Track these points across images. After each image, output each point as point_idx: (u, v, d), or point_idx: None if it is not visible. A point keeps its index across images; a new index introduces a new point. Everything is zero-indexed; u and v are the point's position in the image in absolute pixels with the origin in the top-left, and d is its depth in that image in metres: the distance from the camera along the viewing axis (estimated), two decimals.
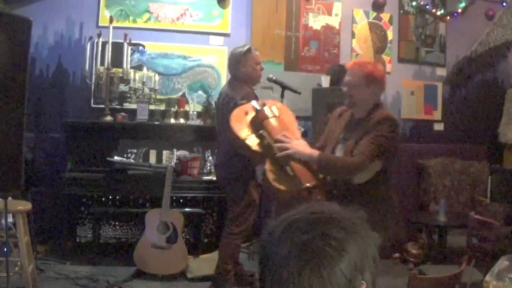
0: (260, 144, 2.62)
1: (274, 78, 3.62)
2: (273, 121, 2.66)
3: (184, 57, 4.88)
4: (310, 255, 0.77)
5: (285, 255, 0.79)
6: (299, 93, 3.71)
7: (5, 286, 2.84)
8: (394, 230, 2.58)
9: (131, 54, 4.65)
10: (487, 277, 2.35)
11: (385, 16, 5.42)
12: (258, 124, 2.64)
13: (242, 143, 2.64)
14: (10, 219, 3.47)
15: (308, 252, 0.78)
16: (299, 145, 2.54)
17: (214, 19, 4.95)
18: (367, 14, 5.37)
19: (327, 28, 5.23)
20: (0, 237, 3.41)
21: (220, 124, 3.66)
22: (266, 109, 2.70)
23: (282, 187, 2.45)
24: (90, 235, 4.39)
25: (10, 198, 3.14)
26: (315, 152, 2.52)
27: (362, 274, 0.80)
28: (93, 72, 4.48)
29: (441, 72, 5.64)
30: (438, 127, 5.63)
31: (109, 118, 4.43)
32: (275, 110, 2.72)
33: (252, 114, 2.71)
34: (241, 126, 2.66)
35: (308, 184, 2.43)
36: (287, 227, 0.83)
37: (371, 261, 0.82)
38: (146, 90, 4.63)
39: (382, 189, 2.54)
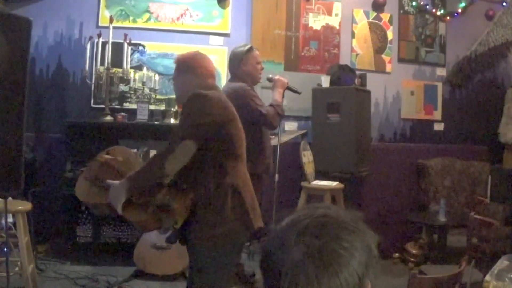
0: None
1: (273, 78, 3.65)
2: (110, 170, 2.38)
3: None
4: (327, 259, 0.79)
5: (299, 261, 0.80)
6: (299, 93, 3.71)
7: (5, 286, 2.84)
8: (244, 219, 2.16)
9: (131, 54, 4.66)
10: (487, 277, 2.34)
11: (385, 16, 5.42)
12: (102, 179, 2.34)
13: (105, 206, 2.29)
14: (10, 219, 3.47)
15: (325, 256, 0.79)
16: (111, 195, 2.16)
17: (214, 19, 4.95)
18: (367, 14, 5.37)
19: (327, 28, 5.23)
20: (0, 237, 3.41)
21: None
22: (99, 163, 2.42)
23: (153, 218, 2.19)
24: (90, 235, 4.39)
25: (10, 198, 3.13)
26: (123, 181, 2.14)
27: (369, 272, 0.83)
28: (93, 72, 4.48)
29: (441, 72, 5.64)
30: (438, 127, 5.63)
31: (109, 118, 4.43)
32: (109, 158, 2.46)
33: (91, 174, 2.40)
34: (92, 192, 2.34)
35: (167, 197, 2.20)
36: (299, 232, 0.83)
37: (374, 259, 0.84)
38: (146, 90, 4.63)
39: (210, 172, 2.19)
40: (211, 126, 2.17)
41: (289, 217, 0.88)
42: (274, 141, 3.87)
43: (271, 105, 3.47)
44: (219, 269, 2.19)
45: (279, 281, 0.80)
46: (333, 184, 4.37)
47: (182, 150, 2.14)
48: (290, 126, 5.01)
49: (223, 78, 4.89)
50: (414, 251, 4.70)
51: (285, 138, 4.36)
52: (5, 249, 2.89)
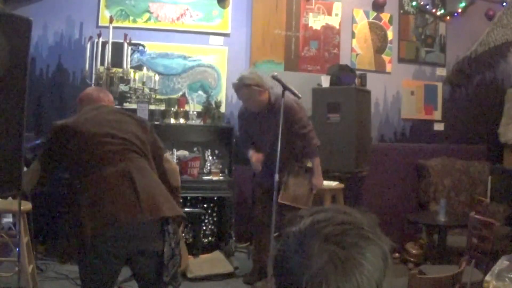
0: None
1: (278, 76, 3.66)
2: None
3: (184, 57, 4.88)
4: (349, 268, 0.80)
5: (321, 269, 0.80)
6: (300, 97, 3.72)
7: (5, 286, 2.84)
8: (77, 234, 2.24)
9: (131, 54, 4.65)
10: (487, 277, 2.35)
11: (385, 16, 5.42)
12: None
13: None
14: (10, 219, 3.47)
15: (347, 265, 0.80)
16: None
17: (214, 19, 4.95)
18: (367, 14, 5.37)
19: (327, 28, 5.23)
20: (0, 237, 3.41)
21: None
22: None
23: None
24: None
25: (10, 198, 3.14)
26: None
27: (385, 278, 0.84)
28: (93, 72, 4.48)
29: (441, 72, 5.64)
30: (438, 127, 5.63)
31: None
32: None
33: None
34: None
35: None
36: (322, 240, 0.82)
37: (389, 265, 0.86)
38: (146, 90, 4.62)
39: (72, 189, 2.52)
40: (50, 149, 2.48)
41: (306, 219, 0.86)
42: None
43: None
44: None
45: (297, 286, 0.80)
46: (333, 184, 4.36)
47: (31, 167, 2.50)
48: None
49: (223, 78, 4.90)
50: (414, 251, 4.69)
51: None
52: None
